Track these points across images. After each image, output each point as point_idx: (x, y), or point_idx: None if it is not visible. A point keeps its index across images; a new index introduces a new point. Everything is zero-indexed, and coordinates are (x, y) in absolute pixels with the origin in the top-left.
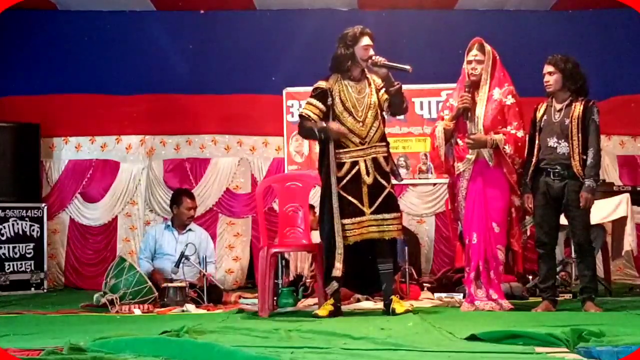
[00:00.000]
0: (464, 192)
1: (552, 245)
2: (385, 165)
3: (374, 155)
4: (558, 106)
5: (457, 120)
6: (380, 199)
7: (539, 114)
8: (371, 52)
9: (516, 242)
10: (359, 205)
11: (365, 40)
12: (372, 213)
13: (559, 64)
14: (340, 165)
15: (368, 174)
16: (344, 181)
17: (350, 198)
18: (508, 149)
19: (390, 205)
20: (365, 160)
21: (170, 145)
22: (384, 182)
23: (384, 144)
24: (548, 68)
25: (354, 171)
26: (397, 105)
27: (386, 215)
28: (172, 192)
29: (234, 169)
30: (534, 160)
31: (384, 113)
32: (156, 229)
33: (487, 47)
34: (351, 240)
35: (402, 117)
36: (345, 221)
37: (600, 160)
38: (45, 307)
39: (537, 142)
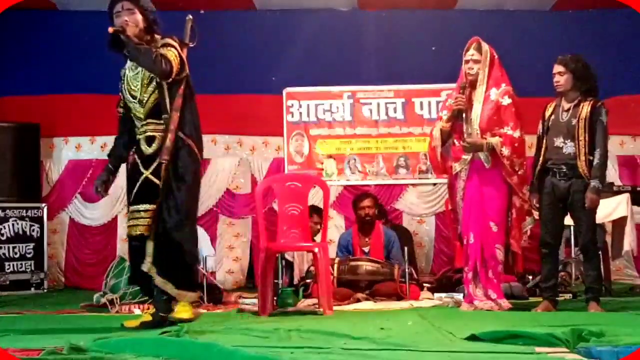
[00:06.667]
0: (461, 192)
1: (556, 246)
2: (145, 147)
3: (139, 137)
4: (566, 106)
5: (454, 121)
6: (135, 189)
7: (547, 113)
8: (124, 18)
9: (516, 242)
10: (130, 197)
11: (117, 7)
12: (131, 205)
13: (570, 64)
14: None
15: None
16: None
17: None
18: (505, 151)
19: (143, 196)
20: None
21: None
22: (142, 168)
23: (148, 121)
24: (558, 68)
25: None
26: (145, 67)
27: (140, 207)
28: None
29: (234, 169)
30: (541, 160)
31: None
32: None
33: (485, 47)
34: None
35: (166, 71)
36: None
37: (606, 161)
38: (45, 307)
39: (544, 141)
